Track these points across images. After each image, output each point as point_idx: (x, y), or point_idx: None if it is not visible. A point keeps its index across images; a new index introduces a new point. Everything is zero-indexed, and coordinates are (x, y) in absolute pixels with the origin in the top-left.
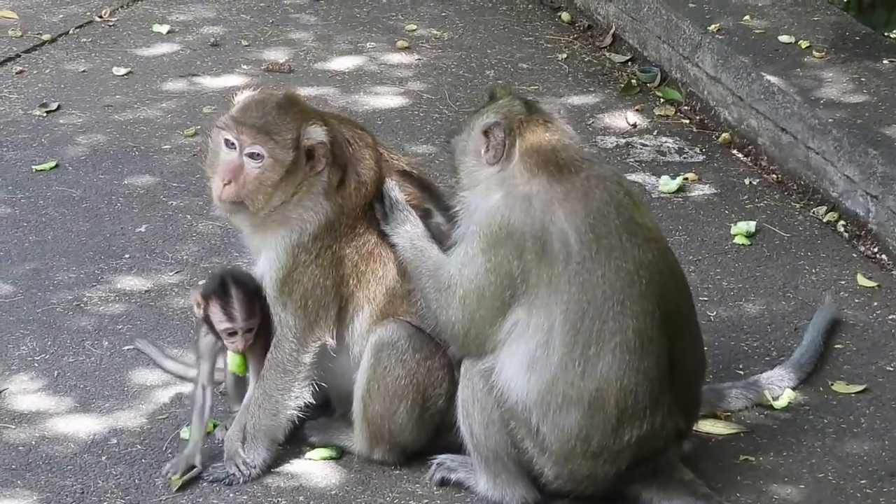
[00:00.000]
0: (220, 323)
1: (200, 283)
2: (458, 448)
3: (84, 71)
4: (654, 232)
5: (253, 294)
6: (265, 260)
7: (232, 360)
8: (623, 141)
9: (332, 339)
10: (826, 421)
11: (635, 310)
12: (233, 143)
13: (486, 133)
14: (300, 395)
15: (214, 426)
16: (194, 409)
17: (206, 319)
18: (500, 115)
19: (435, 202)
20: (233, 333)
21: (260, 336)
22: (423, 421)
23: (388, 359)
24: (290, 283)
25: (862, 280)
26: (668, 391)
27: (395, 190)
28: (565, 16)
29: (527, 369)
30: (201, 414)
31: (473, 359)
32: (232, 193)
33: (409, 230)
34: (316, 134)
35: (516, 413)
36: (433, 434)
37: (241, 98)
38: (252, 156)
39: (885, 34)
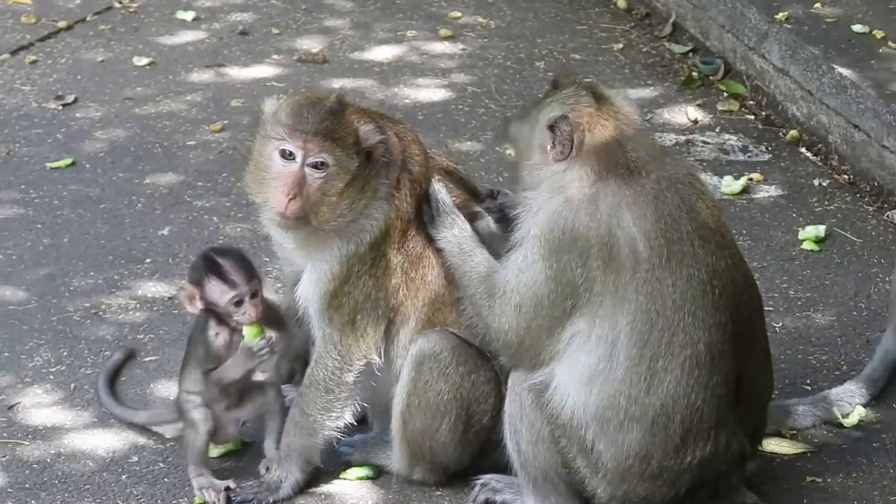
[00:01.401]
0: (223, 295)
1: (181, 283)
2: (503, 468)
3: (103, 61)
4: (727, 238)
5: (242, 257)
6: (313, 272)
7: (248, 333)
8: (683, 138)
9: (380, 356)
10: None
11: (707, 322)
12: (292, 154)
13: (551, 128)
14: (340, 416)
15: (243, 443)
16: (270, 414)
17: (208, 309)
18: (567, 107)
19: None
20: (239, 303)
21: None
22: (466, 439)
23: (429, 372)
24: (340, 296)
25: None
26: (734, 410)
27: (443, 191)
28: (622, 3)
29: (587, 383)
30: (283, 411)
31: (522, 372)
32: (298, 208)
33: (456, 234)
34: (374, 135)
35: (570, 429)
36: (477, 453)
37: (278, 104)
38: (316, 165)
39: None
